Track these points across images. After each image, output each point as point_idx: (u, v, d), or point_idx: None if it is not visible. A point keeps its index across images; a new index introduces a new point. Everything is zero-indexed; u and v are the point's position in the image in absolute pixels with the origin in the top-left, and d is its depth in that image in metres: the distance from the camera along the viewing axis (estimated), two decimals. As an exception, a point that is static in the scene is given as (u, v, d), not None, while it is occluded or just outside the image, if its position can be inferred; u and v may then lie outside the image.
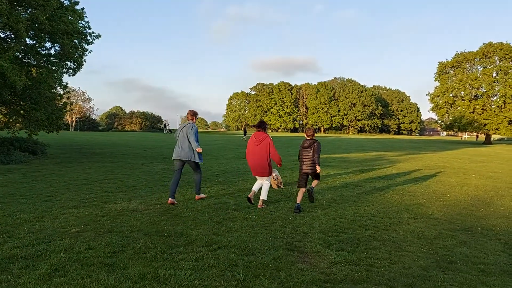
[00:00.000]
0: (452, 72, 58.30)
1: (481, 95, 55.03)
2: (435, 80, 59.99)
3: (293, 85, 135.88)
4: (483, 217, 6.94)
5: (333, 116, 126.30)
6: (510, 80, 50.88)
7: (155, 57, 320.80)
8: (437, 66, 59.18)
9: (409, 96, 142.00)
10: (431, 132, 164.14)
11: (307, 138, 7.43)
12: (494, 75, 53.33)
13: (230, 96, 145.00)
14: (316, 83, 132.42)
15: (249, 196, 7.31)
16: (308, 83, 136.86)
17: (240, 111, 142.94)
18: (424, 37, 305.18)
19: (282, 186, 9.63)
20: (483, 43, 55.04)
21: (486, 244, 5.34)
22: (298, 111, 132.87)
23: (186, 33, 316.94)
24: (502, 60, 52.88)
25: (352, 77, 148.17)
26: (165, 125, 69.50)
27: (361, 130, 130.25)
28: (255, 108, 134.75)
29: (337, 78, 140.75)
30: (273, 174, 9.40)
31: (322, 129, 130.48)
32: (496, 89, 53.17)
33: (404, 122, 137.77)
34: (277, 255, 4.53)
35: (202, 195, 7.89)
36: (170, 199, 7.27)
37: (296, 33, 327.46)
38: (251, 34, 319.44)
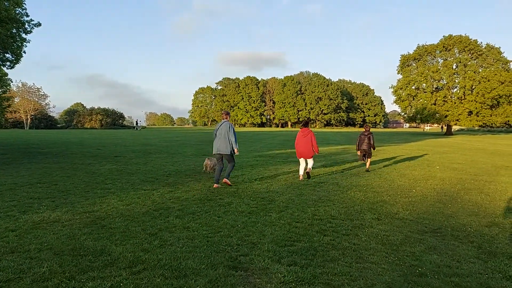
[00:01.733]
0: (414, 64, 59.30)
1: (442, 87, 56.26)
2: (398, 73, 60.93)
3: (260, 80, 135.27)
4: (452, 215, 6.36)
5: (300, 110, 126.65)
6: (469, 72, 52.19)
7: (120, 52, 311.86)
8: (400, 59, 60.05)
9: (373, 90, 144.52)
10: (394, 125, 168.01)
11: (365, 131, 12.40)
12: (454, 67, 54.59)
13: (196, 91, 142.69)
14: (283, 78, 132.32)
15: (300, 175, 10.12)
16: (274, 77, 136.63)
17: (207, 106, 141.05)
18: (387, 31, 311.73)
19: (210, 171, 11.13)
20: (443, 36, 56.20)
21: (458, 248, 4.70)
22: (265, 105, 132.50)
23: (151, 28, 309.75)
24: (461, 52, 54.15)
25: (318, 71, 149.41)
26: (136, 122, 68.21)
27: (328, 124, 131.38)
28: (221, 103, 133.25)
29: (303, 72, 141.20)
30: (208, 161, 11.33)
31: (289, 123, 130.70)
32: (456, 81, 54.49)
33: (369, 115, 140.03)
34: (215, 276, 3.69)
35: (228, 181, 8.92)
36: (215, 184, 8.77)
37: (264, 27, 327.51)
38: (217, 28, 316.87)
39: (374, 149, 12.19)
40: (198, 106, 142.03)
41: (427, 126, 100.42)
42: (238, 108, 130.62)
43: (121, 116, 76.95)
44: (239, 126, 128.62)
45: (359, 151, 12.27)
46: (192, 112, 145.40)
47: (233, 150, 8.90)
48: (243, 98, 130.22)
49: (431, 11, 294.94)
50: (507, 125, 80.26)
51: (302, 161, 10.31)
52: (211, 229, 5.31)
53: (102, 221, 5.68)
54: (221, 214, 6.20)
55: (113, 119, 71.46)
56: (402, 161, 15.37)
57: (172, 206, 6.75)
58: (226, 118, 9.20)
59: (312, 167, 10.71)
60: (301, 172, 10.18)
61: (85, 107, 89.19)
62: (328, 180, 10.02)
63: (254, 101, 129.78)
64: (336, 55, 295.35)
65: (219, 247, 4.58)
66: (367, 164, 12.19)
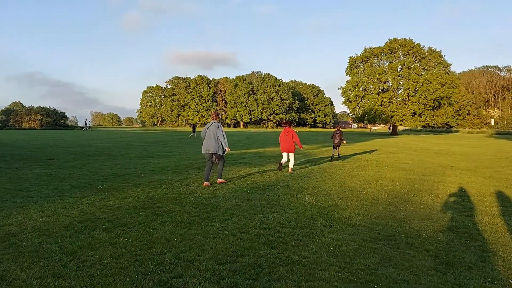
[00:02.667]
0: (361, 66, 60.96)
1: (387, 88, 58.23)
2: (346, 75, 62.44)
3: (211, 79, 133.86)
4: (405, 220, 6.05)
5: (252, 111, 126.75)
6: (413, 74, 54.38)
7: (62, 50, 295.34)
8: (348, 61, 61.45)
9: (323, 90, 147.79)
10: (344, 125, 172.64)
11: (337, 130, 16.80)
12: (399, 69, 56.64)
13: (144, 90, 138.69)
14: (235, 77, 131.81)
15: (281, 163, 11.92)
16: (226, 77, 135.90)
17: (156, 105, 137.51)
18: (337, 33, 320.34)
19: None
20: (389, 39, 58.14)
21: (414, 259, 4.31)
22: (216, 105, 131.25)
23: (96, 25, 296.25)
24: (405, 55, 56.30)
25: (270, 72, 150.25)
26: (85, 122, 65.06)
27: (280, 124, 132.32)
28: (171, 103, 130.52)
29: (255, 72, 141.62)
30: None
31: (241, 123, 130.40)
32: (401, 83, 56.61)
33: (319, 116, 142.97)
34: (137, 310, 3.00)
35: (222, 180, 9.43)
36: (205, 182, 9.00)
37: (215, 26, 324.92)
38: (167, 26, 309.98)
39: (344, 142, 17.73)
40: (146, 105, 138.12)
41: (374, 127, 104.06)
42: (189, 108, 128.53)
43: (64, 116, 72.73)
44: (190, 126, 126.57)
45: (333, 147, 16.67)
46: (140, 112, 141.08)
47: (224, 149, 9.24)
48: (194, 98, 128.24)
49: (378, 14, 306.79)
50: (447, 126, 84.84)
51: (284, 155, 12.11)
52: (142, 245, 4.59)
53: (12, 238, 4.79)
54: (156, 225, 5.48)
55: (54, 119, 67.35)
56: (352, 162, 15.28)
57: (102, 216, 5.93)
58: (216, 119, 9.44)
59: (292, 166, 12.11)
60: (283, 161, 12.06)
61: (24, 106, 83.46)
62: (278, 183, 9.54)
63: (206, 100, 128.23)
64: (287, 56, 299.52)
65: (148, 267, 3.89)
66: (338, 151, 16.95)
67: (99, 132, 54.55)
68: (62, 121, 71.82)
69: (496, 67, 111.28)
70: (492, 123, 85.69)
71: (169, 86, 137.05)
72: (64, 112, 73.47)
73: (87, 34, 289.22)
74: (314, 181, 9.98)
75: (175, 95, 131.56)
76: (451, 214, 6.47)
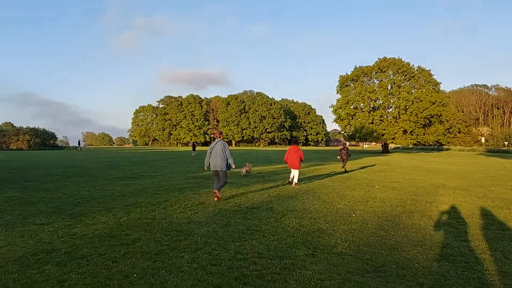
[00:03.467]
0: (352, 85, 61.11)
1: (378, 106, 58.28)
2: (337, 93, 62.43)
3: (203, 98, 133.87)
4: (396, 247, 5.52)
5: (244, 129, 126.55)
6: (403, 92, 54.55)
7: (54, 71, 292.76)
8: (338, 79, 61.61)
9: (315, 109, 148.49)
10: (335, 143, 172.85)
11: (344, 147, 19.98)
12: (389, 88, 56.82)
13: (136, 109, 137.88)
14: (227, 96, 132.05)
15: (289, 180, 13.30)
16: (218, 96, 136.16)
17: (147, 125, 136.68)
18: (327, 53, 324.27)
19: (250, 173, 17.03)
20: (378, 58, 58.51)
21: (406, 295, 3.78)
22: (208, 124, 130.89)
23: (89, 45, 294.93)
24: (395, 74, 56.61)
25: (262, 91, 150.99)
26: (79, 142, 64.17)
27: (272, 142, 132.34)
28: (163, 122, 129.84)
29: (247, 91, 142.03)
30: (245, 167, 16.89)
31: (233, 142, 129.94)
32: (391, 101, 56.68)
33: (311, 134, 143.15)
34: None
35: (219, 195, 9.52)
36: (215, 191, 9.44)
37: (208, 46, 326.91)
38: (160, 46, 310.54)
39: (349, 155, 20.29)
40: (138, 125, 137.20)
41: (365, 145, 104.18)
42: (181, 127, 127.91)
43: (53, 136, 71.48)
44: (181, 146, 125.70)
45: (343, 161, 19.73)
46: (132, 131, 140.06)
47: (230, 166, 9.73)
48: (186, 117, 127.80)
49: (368, 34, 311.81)
50: (438, 144, 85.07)
51: (292, 171, 13.31)
52: (95, 282, 4.00)
53: None
54: (118, 257, 4.89)
55: (43, 140, 66.12)
56: (342, 181, 14.79)
57: (60, 247, 5.32)
58: (220, 137, 9.82)
59: (298, 180, 13.39)
60: (291, 179, 13.33)
61: (14, 126, 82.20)
62: (262, 205, 8.98)
63: (198, 119, 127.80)
64: (279, 74, 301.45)
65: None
66: (345, 166, 19.74)
67: (89, 152, 53.63)
68: (52, 141, 70.55)
69: (485, 86, 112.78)
70: (483, 141, 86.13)
71: (161, 106, 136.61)
72: (54, 132, 72.27)
73: (81, 54, 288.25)
74: (301, 202, 9.44)
75: (167, 114, 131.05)
76: (445, 239, 5.96)
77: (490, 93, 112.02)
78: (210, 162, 9.69)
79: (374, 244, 5.64)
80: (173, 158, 34.00)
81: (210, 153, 9.71)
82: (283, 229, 6.52)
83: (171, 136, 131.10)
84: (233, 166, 9.86)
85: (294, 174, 13.19)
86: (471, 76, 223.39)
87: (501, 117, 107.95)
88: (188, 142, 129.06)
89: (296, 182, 13.09)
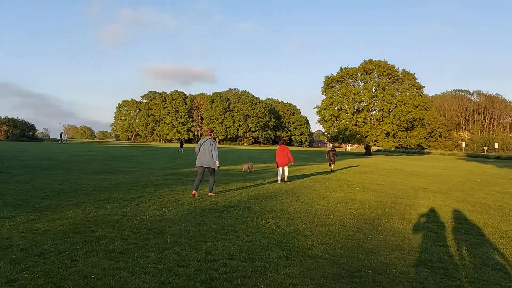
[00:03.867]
0: (337, 86, 61.33)
1: (362, 108, 58.63)
2: (322, 94, 62.59)
3: (188, 95, 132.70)
4: (373, 251, 5.33)
5: (228, 127, 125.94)
6: (387, 95, 54.97)
7: (36, 61, 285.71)
8: (324, 80, 61.72)
9: (299, 109, 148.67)
10: (319, 144, 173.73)
11: (332, 148, 22.08)
12: (373, 90, 57.20)
13: (119, 104, 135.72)
14: (211, 94, 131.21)
15: (279, 180, 13.70)
16: (203, 93, 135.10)
17: (130, 120, 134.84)
18: (314, 53, 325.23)
19: (253, 170, 18.13)
20: (364, 60, 58.81)
21: (382, 303, 3.57)
22: (192, 121, 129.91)
23: (73, 36, 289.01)
24: (380, 76, 57.00)
25: (247, 89, 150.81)
26: (61, 135, 62.77)
27: (256, 141, 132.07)
28: (146, 117, 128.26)
29: (232, 89, 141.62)
30: (247, 164, 18.04)
31: (217, 140, 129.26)
32: (375, 103, 57.08)
33: (295, 134, 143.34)
34: None
35: (212, 194, 9.93)
36: (194, 191, 9.55)
37: (195, 42, 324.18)
38: (146, 40, 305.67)
39: (336, 156, 21.60)
40: (121, 119, 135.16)
41: (348, 146, 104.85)
42: (164, 123, 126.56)
43: (32, 128, 69.78)
44: (164, 142, 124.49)
45: (330, 161, 20.91)
46: (114, 126, 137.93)
47: (214, 164, 9.77)
48: (169, 113, 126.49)
49: (355, 36, 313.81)
50: (419, 147, 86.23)
51: (280, 169, 14.11)
52: (48, 283, 3.68)
53: None
54: (79, 255, 4.56)
55: (22, 131, 64.50)
56: (323, 181, 14.64)
57: (18, 243, 4.96)
58: (210, 135, 10.04)
59: (287, 175, 14.63)
60: (279, 178, 13.89)
61: (-7, 116, 79.78)
62: (239, 204, 8.72)
63: (181, 116, 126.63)
64: (265, 74, 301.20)
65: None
66: (332, 166, 20.83)
67: (70, 145, 52.45)
68: (31, 133, 68.88)
69: (467, 91, 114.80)
70: (463, 145, 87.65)
71: (144, 101, 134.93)
72: (33, 124, 70.46)
73: (64, 46, 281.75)
74: (279, 202, 9.21)
75: (151, 109, 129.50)
76: (424, 244, 5.81)
77: (472, 98, 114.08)
78: (198, 159, 9.83)
79: (351, 248, 5.44)
80: (154, 154, 33.46)
81: (199, 149, 9.85)
82: (259, 230, 6.27)
83: (154, 132, 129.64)
84: (217, 164, 9.85)
85: (285, 170, 14.36)
86: (454, 81, 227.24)
87: (482, 122, 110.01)
88: (172, 138, 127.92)
89: (287, 177, 14.47)
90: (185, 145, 52.48)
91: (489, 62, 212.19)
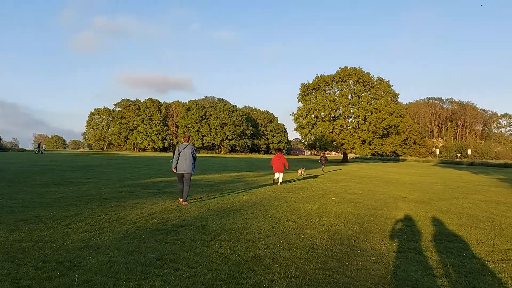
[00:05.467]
0: (313, 93, 60.81)
1: (338, 116, 58.18)
2: (298, 101, 61.95)
3: (162, 103, 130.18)
4: (350, 285, 4.09)
5: (205, 136, 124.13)
6: (362, 103, 54.69)
7: (8, 70, 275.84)
8: (300, 88, 61.11)
9: (277, 117, 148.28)
10: (297, 152, 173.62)
11: (323, 154, 30.00)
12: (349, 97, 56.85)
13: (91, 112, 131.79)
14: (187, 101, 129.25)
15: (274, 182, 15.80)
16: (178, 101, 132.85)
17: (103, 128, 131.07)
18: (291, 61, 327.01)
19: (304, 174, 21.22)
20: (340, 67, 58.51)
21: None
22: (167, 129, 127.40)
23: (46, 43, 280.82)
24: (355, 84, 56.76)
25: (224, 97, 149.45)
26: (39, 145, 60.44)
27: (233, 150, 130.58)
28: (119, 126, 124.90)
29: (209, 97, 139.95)
30: (301, 170, 21.08)
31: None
32: (351, 111, 56.72)
33: (273, 142, 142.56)
34: None
35: (186, 203, 9.56)
36: (180, 199, 9.80)
37: (173, 51, 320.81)
38: (122, 48, 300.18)
39: (327, 160, 27.91)
40: (93, 128, 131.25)
41: (321, 154, 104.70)
42: (138, 131, 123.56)
43: (-4, 138, 66.42)
44: (138, 151, 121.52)
45: (322, 165, 27.30)
46: (86, 135, 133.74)
47: (192, 170, 9.87)
48: (143, 121, 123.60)
49: (330, 42, 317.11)
50: (395, 154, 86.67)
51: (276, 174, 15.81)
52: None
53: None
54: None
55: (-14, 140, 61.32)
56: (296, 191, 13.43)
57: None
58: (188, 141, 10.06)
59: (281, 181, 16.04)
60: (276, 178, 15.92)
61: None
62: (194, 221, 7.36)
63: (156, 124, 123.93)
64: (242, 82, 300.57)
65: None
66: (323, 169, 26.96)
67: (43, 155, 49.75)
68: (-6, 143, 65.45)
69: (440, 99, 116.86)
70: (437, 152, 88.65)
71: (117, 109, 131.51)
72: (-1, 136, 67.15)
73: (36, 53, 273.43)
74: (243, 218, 7.91)
75: (124, 118, 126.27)
76: (414, 274, 4.61)
77: (445, 106, 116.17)
78: (179, 165, 9.76)
79: (323, 283, 4.19)
80: (121, 163, 31.65)
81: (179, 155, 9.78)
82: (208, 258, 4.95)
83: (128, 141, 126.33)
84: (192, 173, 9.96)
85: (280, 176, 15.88)
86: (427, 89, 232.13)
87: (454, 129, 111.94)
88: (146, 147, 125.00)
89: (281, 182, 15.99)
90: (158, 153, 50.58)
91: (461, 71, 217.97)
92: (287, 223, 7.51)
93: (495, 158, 76.63)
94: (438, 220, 8.42)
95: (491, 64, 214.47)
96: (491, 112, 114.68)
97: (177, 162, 9.79)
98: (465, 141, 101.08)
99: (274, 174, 16.28)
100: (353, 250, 5.64)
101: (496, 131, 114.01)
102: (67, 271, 4.24)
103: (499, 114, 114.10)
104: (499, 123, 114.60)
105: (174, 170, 9.88)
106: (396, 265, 4.96)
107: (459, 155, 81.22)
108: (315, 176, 21.70)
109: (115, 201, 9.80)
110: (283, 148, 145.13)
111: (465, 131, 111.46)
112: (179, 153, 9.78)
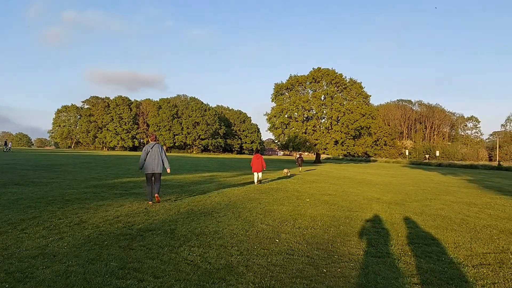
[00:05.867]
0: (287, 93, 60.80)
1: (312, 116, 58.40)
2: (272, 101, 61.82)
3: (133, 101, 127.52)
4: (331, 297, 3.82)
5: (176, 135, 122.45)
6: (335, 103, 55.10)
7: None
8: (274, 88, 60.99)
9: (250, 117, 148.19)
10: (270, 152, 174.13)
11: (300, 155, 31.94)
12: (322, 98, 57.18)
13: (58, 109, 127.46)
14: (158, 100, 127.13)
15: (255, 182, 16.38)
16: (149, 99, 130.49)
17: (70, 126, 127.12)
18: (265, 61, 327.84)
19: (289, 174, 22.29)
20: (313, 68, 58.77)
21: None
22: (138, 128, 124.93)
23: (11, 38, 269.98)
24: (328, 84, 57.14)
25: (197, 96, 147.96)
26: (5, 142, 57.74)
27: (205, 149, 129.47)
28: (87, 124, 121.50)
29: (180, 95, 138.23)
30: (286, 170, 22.44)
31: (165, 147, 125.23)
32: (324, 111, 57.04)
33: (246, 142, 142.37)
34: None
35: (158, 195, 9.59)
36: (150, 202, 9.46)
37: (144, 48, 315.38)
38: (91, 44, 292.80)
39: (303, 161, 28.92)
40: (60, 126, 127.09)
41: (298, 154, 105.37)
42: (107, 130, 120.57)
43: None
44: (107, 150, 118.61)
45: (298, 165, 29.06)
46: (52, 133, 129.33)
47: (166, 170, 9.90)
48: (113, 119, 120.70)
49: (304, 44, 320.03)
50: (366, 155, 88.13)
51: (255, 174, 16.58)
52: None
53: None
54: None
55: None
56: (271, 192, 13.16)
57: None
58: (155, 140, 9.94)
59: (261, 179, 17.24)
60: (255, 180, 16.48)
61: None
62: (162, 225, 6.93)
63: (126, 123, 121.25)
64: (215, 81, 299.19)
65: None
66: (300, 169, 29.14)
67: (13, 153, 47.54)
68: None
69: (409, 101, 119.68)
70: (407, 153, 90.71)
71: (86, 106, 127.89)
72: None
73: (1, 48, 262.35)
74: (215, 221, 7.53)
75: (92, 115, 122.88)
76: (395, 282, 4.38)
77: (414, 108, 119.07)
78: (147, 165, 9.60)
79: (300, 293, 3.89)
80: (88, 162, 30.54)
81: (146, 155, 9.63)
82: (176, 267, 4.57)
83: (97, 139, 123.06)
84: (168, 171, 9.99)
85: (260, 174, 16.89)
86: (398, 91, 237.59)
87: (423, 131, 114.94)
88: (115, 146, 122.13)
89: (260, 179, 17.14)
90: (128, 152, 49.30)
91: (430, 74, 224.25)
92: (261, 227, 7.19)
93: (461, 160, 79.10)
94: (413, 222, 8.31)
95: (458, 68, 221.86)
96: (458, 115, 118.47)
97: (145, 162, 9.62)
98: (433, 143, 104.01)
99: (252, 174, 17.62)
100: (330, 255, 5.38)
101: (462, 133, 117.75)
102: (17, 284, 3.77)
103: (465, 117, 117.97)
104: (466, 125, 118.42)
105: (140, 170, 9.75)
106: (375, 271, 4.72)
107: (427, 156, 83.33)
108: (289, 177, 21.54)
109: (78, 202, 9.22)
110: (256, 148, 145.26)
111: (433, 133, 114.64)
112: (147, 153, 9.65)
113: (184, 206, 9.35)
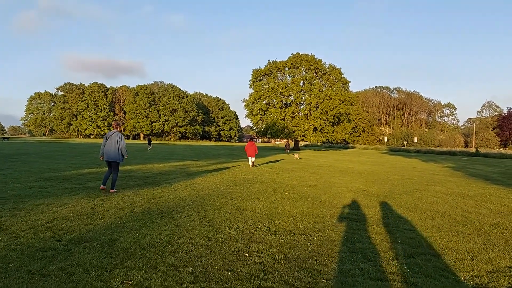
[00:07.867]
0: (265, 80, 59.25)
1: (290, 103, 57.14)
2: (250, 87, 60.19)
3: (109, 87, 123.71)
4: None
5: (153, 122, 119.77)
6: (314, 90, 53.92)
7: None
8: (252, 73, 59.32)
9: (228, 104, 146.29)
10: (249, 139, 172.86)
11: (287, 143, 46.24)
12: (301, 84, 55.93)
13: (31, 96, 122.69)
14: (135, 86, 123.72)
15: (250, 166, 18.61)
16: (125, 85, 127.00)
17: (44, 114, 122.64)
18: (244, 47, 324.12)
19: (299, 158, 28.73)
20: (292, 54, 57.34)
21: None
22: (114, 115, 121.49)
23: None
24: (307, 70, 55.84)
25: (175, 83, 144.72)
26: None
27: (183, 137, 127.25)
28: (62, 111, 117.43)
29: (158, 82, 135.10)
30: (297, 155, 30.59)
31: (141, 135, 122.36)
32: (303, 98, 55.85)
33: (224, 129, 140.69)
34: None
35: (115, 190, 9.38)
36: (102, 186, 9.62)
37: (122, 34, 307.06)
38: (68, 30, 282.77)
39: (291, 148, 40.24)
40: (33, 113, 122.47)
41: (277, 141, 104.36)
42: (82, 117, 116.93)
43: None
44: (83, 137, 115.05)
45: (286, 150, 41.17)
46: (25, 120, 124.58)
47: (122, 158, 9.59)
48: (88, 106, 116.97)
49: (283, 29, 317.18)
50: (345, 142, 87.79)
51: (249, 158, 18.90)
52: None
53: None
54: None
55: None
56: (245, 184, 11.81)
57: None
58: (117, 128, 9.80)
59: (255, 163, 19.06)
60: (250, 164, 18.81)
61: None
62: (104, 233, 5.46)
63: (102, 110, 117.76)
64: (194, 67, 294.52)
65: None
66: (287, 152, 38.50)
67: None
68: None
69: (388, 88, 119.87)
70: (385, 140, 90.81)
71: (60, 93, 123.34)
72: None
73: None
74: (172, 225, 6.13)
75: (67, 102, 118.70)
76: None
77: (392, 95, 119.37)
78: (104, 152, 9.51)
79: None
80: (54, 151, 28.57)
81: (105, 143, 9.52)
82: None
83: (71, 127, 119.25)
84: (126, 157, 9.81)
85: (253, 160, 18.98)
86: (376, 78, 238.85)
87: (401, 118, 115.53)
88: (91, 134, 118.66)
89: (254, 163, 19.12)
90: (100, 140, 47.14)
91: (408, 60, 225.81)
92: (229, 233, 5.83)
93: (438, 146, 79.61)
94: (410, 223, 7.08)
95: (436, 55, 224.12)
96: (435, 102, 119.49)
97: (103, 149, 9.53)
98: (411, 129, 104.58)
99: (247, 159, 20.48)
100: (316, 279, 4.06)
101: (439, 120, 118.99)
102: None
103: (442, 104, 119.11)
104: (443, 112, 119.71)
105: (102, 158, 9.59)
106: (378, 304, 3.44)
107: (405, 142, 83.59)
108: (271, 162, 20.25)
109: (13, 201, 7.65)
110: (234, 136, 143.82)
111: (411, 119, 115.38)
112: (106, 140, 9.54)
113: (141, 204, 7.91)
